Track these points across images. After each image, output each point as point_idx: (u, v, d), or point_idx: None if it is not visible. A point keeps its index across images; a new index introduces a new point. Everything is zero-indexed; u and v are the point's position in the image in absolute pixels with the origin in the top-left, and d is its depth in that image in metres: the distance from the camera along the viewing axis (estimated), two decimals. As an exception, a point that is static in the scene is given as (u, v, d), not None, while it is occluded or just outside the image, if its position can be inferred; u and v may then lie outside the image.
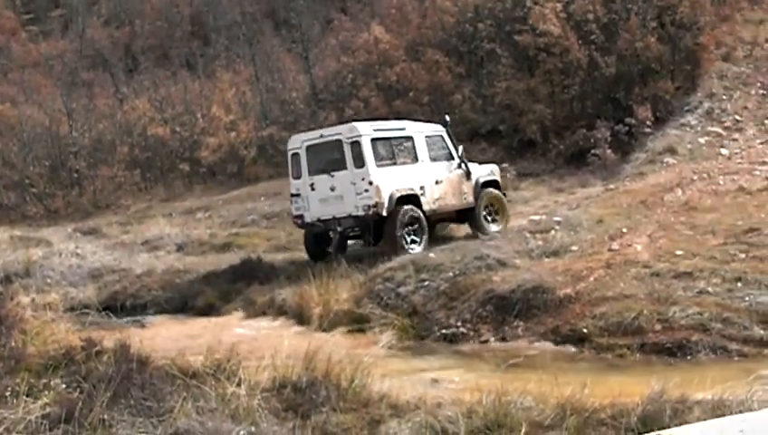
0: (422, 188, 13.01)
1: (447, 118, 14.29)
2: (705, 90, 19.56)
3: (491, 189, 14.05)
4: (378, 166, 12.48)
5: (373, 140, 12.60)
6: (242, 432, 5.28)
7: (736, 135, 17.69)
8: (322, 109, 25.96)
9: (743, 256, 10.06)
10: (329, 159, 12.78)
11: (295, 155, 13.27)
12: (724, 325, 8.73)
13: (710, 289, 9.34)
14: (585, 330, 9.23)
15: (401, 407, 6.08)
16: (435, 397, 6.43)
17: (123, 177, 27.37)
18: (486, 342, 9.81)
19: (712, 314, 8.87)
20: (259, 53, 29.83)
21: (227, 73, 30.56)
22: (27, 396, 5.78)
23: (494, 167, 14.97)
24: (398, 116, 23.69)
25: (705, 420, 5.09)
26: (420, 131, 13.55)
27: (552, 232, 12.28)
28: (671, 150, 17.46)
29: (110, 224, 22.09)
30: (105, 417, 5.45)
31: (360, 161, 12.44)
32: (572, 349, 9.13)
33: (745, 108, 18.69)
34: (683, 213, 12.34)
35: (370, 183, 12.35)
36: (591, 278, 10.08)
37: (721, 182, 14.16)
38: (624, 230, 11.82)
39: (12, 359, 7.02)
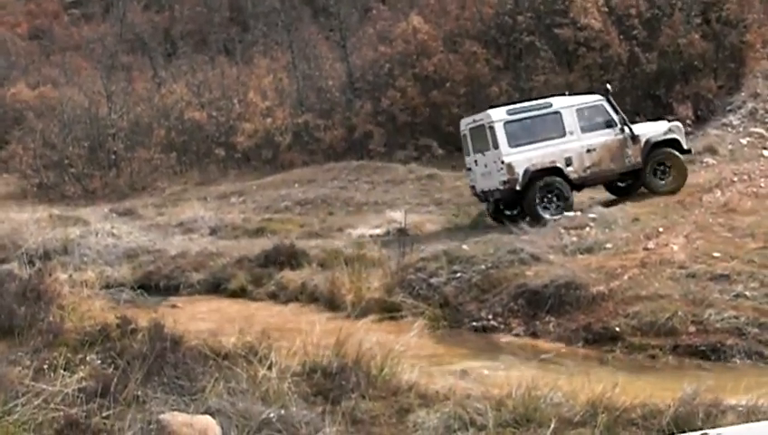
0: (568, 159, 13.89)
1: (609, 86, 14.79)
2: (749, 89, 19.18)
3: (662, 149, 14.32)
4: (512, 146, 13.68)
5: (507, 123, 13.80)
6: (272, 414, 5.33)
7: (780, 137, 17.33)
8: (359, 97, 25.99)
9: (782, 260, 9.85)
10: (480, 140, 14.25)
11: (464, 136, 14.88)
12: (761, 330, 8.55)
13: (747, 293, 9.16)
14: (617, 328, 9.13)
15: (430, 397, 6.09)
16: (464, 388, 6.42)
17: (159, 159, 27.69)
18: (517, 336, 9.76)
19: (748, 319, 8.69)
20: (297, 40, 29.93)
21: (264, 60, 30.74)
22: (64, 370, 5.91)
23: (673, 125, 15.07)
24: (434, 107, 23.74)
25: (738, 424, 5.01)
26: (570, 105, 14.23)
27: (587, 229, 12.14)
28: (711, 150, 17.13)
29: (145, 205, 22.38)
30: (139, 393, 5.55)
31: (495, 143, 13.75)
32: (604, 347, 9.03)
33: (790, 109, 18.30)
34: (721, 214, 12.10)
35: (503, 162, 13.63)
36: (625, 277, 9.95)
37: (762, 184, 13.85)
38: (660, 230, 11.64)
39: (50, 333, 7.20)
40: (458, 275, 11.17)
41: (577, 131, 13.99)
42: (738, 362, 8.32)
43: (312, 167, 23.91)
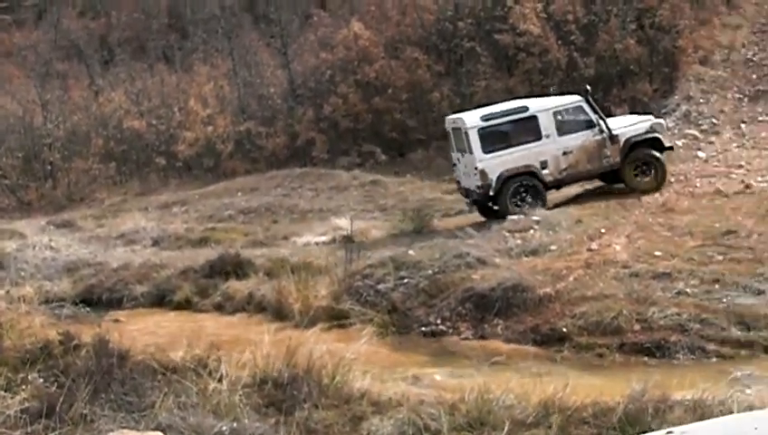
0: (543, 162, 13.90)
1: (588, 87, 14.73)
2: (682, 92, 19.75)
3: (641, 149, 14.17)
4: (485, 152, 13.72)
5: (482, 129, 13.78)
6: (224, 428, 5.23)
7: (713, 138, 17.87)
8: (300, 104, 25.85)
9: (720, 257, 10.17)
10: (459, 141, 14.32)
11: (448, 133, 14.93)
12: (703, 326, 8.83)
13: (688, 290, 9.44)
14: (565, 329, 9.28)
15: (383, 404, 6.06)
16: (417, 394, 6.42)
17: (98, 170, 27.00)
18: (466, 339, 9.83)
19: (690, 315, 8.97)
20: (237, 47, 29.60)
21: (205, 67, 30.29)
22: (5, 391, 5.69)
23: (656, 123, 14.76)
24: (376, 113, 23.78)
25: (686, 420, 5.12)
26: (546, 108, 14.12)
27: (531, 231, 12.30)
28: (648, 152, 17.57)
29: (84, 217, 21.80)
30: (86, 412, 5.38)
31: (470, 149, 13.82)
32: (552, 348, 9.16)
33: (722, 111, 18.89)
34: (661, 214, 12.43)
35: (476, 168, 13.74)
36: (571, 278, 10.13)
37: (698, 185, 14.29)
38: (603, 230, 11.90)
39: (-13, 352, 6.91)
40: (405, 280, 11.19)
41: (553, 134, 13.90)
42: (682, 357, 8.56)
43: (255, 175, 23.67)
